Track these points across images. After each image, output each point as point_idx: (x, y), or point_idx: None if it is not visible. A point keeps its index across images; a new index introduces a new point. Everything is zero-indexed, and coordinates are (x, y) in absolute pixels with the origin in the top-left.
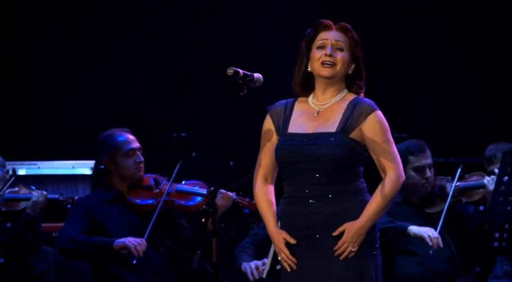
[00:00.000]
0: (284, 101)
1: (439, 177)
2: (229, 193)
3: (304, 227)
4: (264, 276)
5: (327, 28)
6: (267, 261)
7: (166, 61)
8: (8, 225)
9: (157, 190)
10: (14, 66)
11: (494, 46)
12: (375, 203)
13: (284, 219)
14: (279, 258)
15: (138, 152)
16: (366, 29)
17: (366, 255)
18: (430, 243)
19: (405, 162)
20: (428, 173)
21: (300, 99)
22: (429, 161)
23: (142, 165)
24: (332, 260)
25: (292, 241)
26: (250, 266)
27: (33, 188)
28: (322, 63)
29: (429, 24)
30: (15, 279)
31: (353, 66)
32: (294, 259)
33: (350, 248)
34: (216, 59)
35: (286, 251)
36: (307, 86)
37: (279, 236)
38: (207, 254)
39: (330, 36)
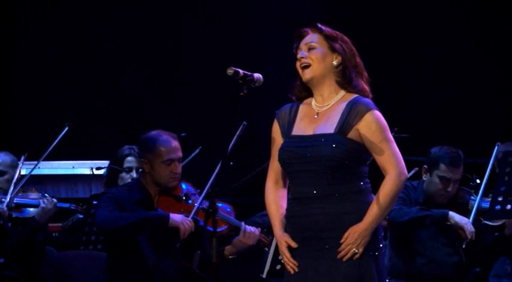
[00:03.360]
0: (290, 104)
1: (462, 188)
2: (256, 231)
3: (308, 227)
4: (264, 276)
5: (303, 36)
6: (267, 261)
7: (166, 61)
8: (9, 225)
9: (186, 205)
10: (14, 66)
11: (496, 46)
12: (377, 205)
13: (289, 220)
14: (280, 259)
15: (178, 162)
16: (366, 28)
17: (368, 256)
18: (469, 237)
19: (435, 166)
20: (451, 187)
21: (306, 101)
22: (457, 176)
23: (178, 176)
24: (334, 261)
25: (293, 245)
26: None
27: (47, 195)
28: (301, 69)
29: (429, 24)
30: (16, 280)
31: (338, 57)
32: (295, 262)
33: (354, 249)
34: (216, 59)
35: (288, 254)
36: (299, 93)
37: (281, 240)
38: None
39: (303, 43)
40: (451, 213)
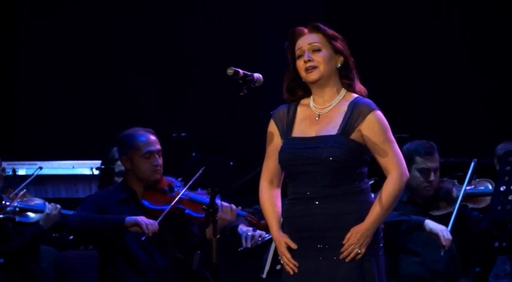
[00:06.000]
0: (286, 105)
1: (444, 180)
2: (232, 206)
3: (307, 227)
4: (264, 276)
5: (300, 35)
6: (267, 260)
7: (166, 61)
8: (9, 225)
9: (171, 195)
10: (14, 66)
11: (495, 46)
12: (379, 205)
13: (287, 220)
14: (279, 259)
15: (157, 155)
16: (366, 29)
17: (369, 255)
18: (444, 243)
19: (411, 161)
20: (432, 177)
21: (302, 102)
22: (435, 164)
23: (159, 168)
24: (335, 261)
25: (293, 246)
26: (247, 233)
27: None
28: (306, 70)
29: (429, 24)
30: (14, 281)
31: (341, 58)
32: (295, 263)
33: (356, 250)
34: (216, 59)
35: (288, 255)
36: (294, 92)
37: (280, 240)
38: (207, 254)
39: (303, 42)
40: (427, 221)
